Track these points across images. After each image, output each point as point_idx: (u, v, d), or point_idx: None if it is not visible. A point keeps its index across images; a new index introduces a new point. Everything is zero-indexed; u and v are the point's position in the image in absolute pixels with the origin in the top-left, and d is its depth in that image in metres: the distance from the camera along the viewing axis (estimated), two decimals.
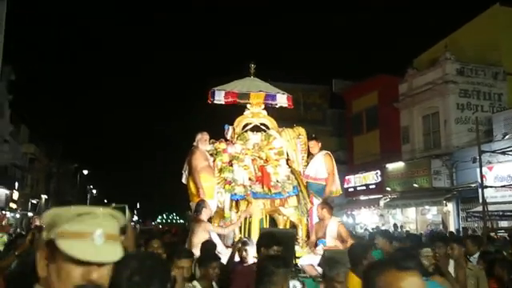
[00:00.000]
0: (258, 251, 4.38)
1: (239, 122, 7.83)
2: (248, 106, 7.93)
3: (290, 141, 7.58)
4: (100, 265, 1.38)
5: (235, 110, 8.24)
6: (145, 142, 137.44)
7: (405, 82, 24.37)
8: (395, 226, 21.41)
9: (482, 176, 17.44)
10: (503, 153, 17.50)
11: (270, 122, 7.93)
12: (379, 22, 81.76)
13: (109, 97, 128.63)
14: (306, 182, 7.37)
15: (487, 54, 21.85)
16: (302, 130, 7.76)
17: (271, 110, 8.27)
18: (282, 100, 7.97)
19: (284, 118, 11.30)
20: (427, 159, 21.86)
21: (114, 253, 1.40)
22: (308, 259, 6.08)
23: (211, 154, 7.41)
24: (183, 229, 14.21)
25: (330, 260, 3.95)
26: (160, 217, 73.50)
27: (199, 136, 7.39)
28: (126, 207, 2.72)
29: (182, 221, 55.61)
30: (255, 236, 6.40)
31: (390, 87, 24.98)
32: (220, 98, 7.75)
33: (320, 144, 7.62)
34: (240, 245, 5.35)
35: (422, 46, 27.52)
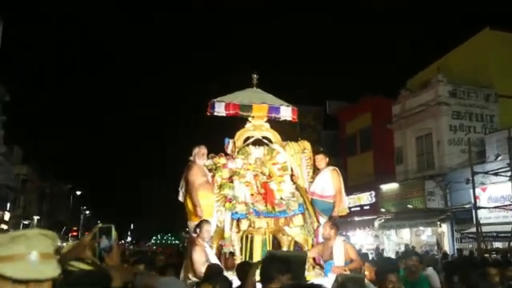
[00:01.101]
0: (269, 281, 3.41)
1: (240, 135, 7.34)
2: (250, 118, 7.43)
3: (295, 155, 7.10)
4: (38, 282, 1.50)
5: (236, 122, 7.74)
6: (139, 159, 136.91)
7: (398, 104, 24.57)
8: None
9: (475, 197, 17.40)
10: (496, 174, 17.43)
11: (273, 135, 7.45)
12: (373, 42, 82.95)
13: (109, 99, 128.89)
14: (312, 200, 6.90)
15: (479, 77, 22.12)
16: (307, 144, 7.30)
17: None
18: (287, 113, 7.46)
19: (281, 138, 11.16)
20: (421, 180, 21.87)
21: (51, 270, 1.54)
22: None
23: (210, 170, 6.87)
24: (177, 250, 13.81)
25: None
26: (154, 237, 72.35)
27: (196, 150, 6.87)
28: (113, 227, 2.75)
29: (177, 241, 54.75)
30: (257, 258, 5.93)
31: (383, 109, 25.19)
32: (220, 109, 7.25)
33: (327, 159, 7.15)
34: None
35: (414, 68, 27.93)
